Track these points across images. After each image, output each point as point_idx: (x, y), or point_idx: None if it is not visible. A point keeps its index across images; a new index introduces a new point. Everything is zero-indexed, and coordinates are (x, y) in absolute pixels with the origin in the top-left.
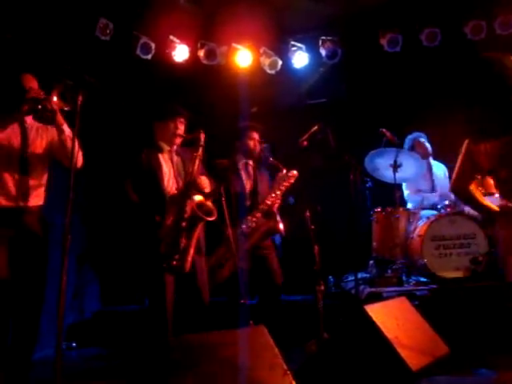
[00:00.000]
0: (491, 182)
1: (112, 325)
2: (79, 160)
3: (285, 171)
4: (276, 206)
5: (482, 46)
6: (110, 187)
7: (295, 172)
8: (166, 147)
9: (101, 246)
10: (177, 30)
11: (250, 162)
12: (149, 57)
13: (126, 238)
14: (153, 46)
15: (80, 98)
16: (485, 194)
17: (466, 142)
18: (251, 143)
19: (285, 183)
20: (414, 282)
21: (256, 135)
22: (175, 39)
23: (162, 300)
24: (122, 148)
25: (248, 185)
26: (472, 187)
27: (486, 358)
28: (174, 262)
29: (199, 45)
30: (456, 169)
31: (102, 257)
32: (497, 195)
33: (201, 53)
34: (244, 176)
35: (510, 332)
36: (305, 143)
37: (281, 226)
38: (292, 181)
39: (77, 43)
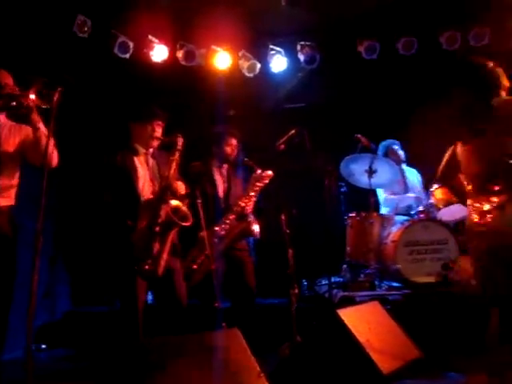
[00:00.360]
0: (463, 189)
1: (82, 326)
2: (54, 159)
3: (259, 171)
4: (250, 207)
5: (457, 56)
6: (84, 188)
7: (270, 172)
8: (142, 150)
9: (73, 246)
10: (156, 29)
11: (225, 166)
12: (127, 56)
13: (98, 240)
14: (131, 45)
15: (56, 96)
16: (458, 201)
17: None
18: (228, 149)
19: (259, 184)
20: (386, 286)
21: (234, 141)
22: (154, 39)
23: (134, 302)
24: (97, 149)
25: (222, 188)
26: (444, 192)
27: (455, 362)
28: (147, 267)
29: (178, 46)
30: (443, 163)
31: (73, 257)
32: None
33: (179, 54)
34: (218, 179)
35: (478, 336)
36: (282, 147)
37: (255, 227)
38: (266, 181)
39: (54, 39)
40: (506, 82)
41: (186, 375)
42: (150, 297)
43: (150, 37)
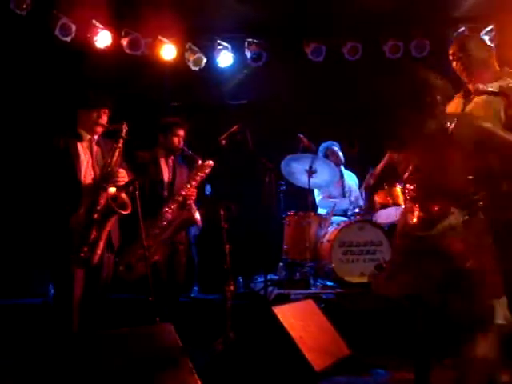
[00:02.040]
0: (398, 193)
1: (9, 319)
2: None
3: (200, 162)
4: (192, 196)
5: (400, 64)
6: (22, 173)
7: (211, 162)
8: (87, 136)
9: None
10: (100, 14)
11: (171, 156)
12: (68, 39)
13: (32, 227)
14: (73, 27)
15: None
16: (393, 204)
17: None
18: (176, 140)
19: (200, 173)
20: (321, 285)
21: (182, 132)
22: (98, 24)
23: (69, 294)
24: (38, 133)
25: (166, 177)
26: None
27: (383, 360)
28: (82, 254)
29: (123, 33)
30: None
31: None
32: (403, 206)
33: (124, 41)
34: (164, 169)
35: (404, 335)
36: (223, 142)
37: (197, 215)
38: (207, 171)
39: None
40: (449, 93)
41: (116, 371)
42: None
43: (94, 21)
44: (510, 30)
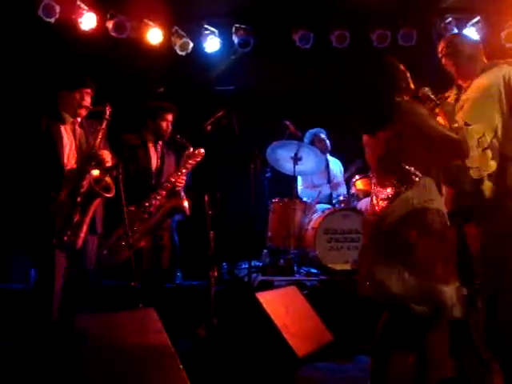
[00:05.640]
0: None
1: None
2: None
3: (191, 149)
4: (181, 184)
5: (386, 53)
6: (3, 155)
7: (202, 150)
8: (70, 118)
9: None
10: None
11: (160, 142)
12: (52, 20)
13: (13, 211)
14: (57, 8)
15: None
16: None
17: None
18: (164, 124)
19: (191, 161)
20: (304, 272)
21: (170, 117)
22: (83, 5)
23: (51, 278)
24: (20, 115)
25: (155, 163)
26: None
27: (365, 346)
28: (66, 238)
29: (108, 16)
30: None
31: None
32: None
33: (109, 24)
34: (152, 154)
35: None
36: (209, 128)
37: (185, 203)
38: (199, 159)
39: None
40: (411, 87)
41: (99, 356)
42: None
43: (78, 3)
44: (497, 21)
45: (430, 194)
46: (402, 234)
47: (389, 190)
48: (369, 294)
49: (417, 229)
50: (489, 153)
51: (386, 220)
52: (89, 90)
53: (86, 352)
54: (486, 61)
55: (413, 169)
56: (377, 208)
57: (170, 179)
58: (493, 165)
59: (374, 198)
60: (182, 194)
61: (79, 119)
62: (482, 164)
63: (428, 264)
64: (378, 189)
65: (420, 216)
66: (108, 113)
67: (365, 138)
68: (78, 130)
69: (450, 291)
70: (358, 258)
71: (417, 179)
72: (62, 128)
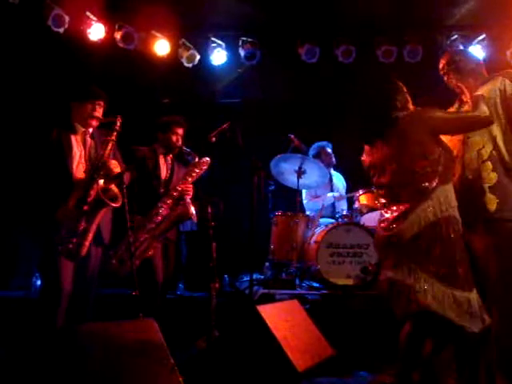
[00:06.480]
0: None
1: None
2: None
3: (197, 159)
4: (190, 192)
5: (392, 69)
6: (14, 164)
7: (207, 159)
8: (81, 128)
9: None
10: (94, 7)
11: (170, 155)
12: (61, 30)
13: (22, 218)
14: (67, 19)
15: None
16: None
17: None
18: (174, 138)
19: (196, 170)
20: (306, 286)
21: (180, 131)
22: (92, 16)
23: (56, 286)
24: (31, 125)
25: (164, 174)
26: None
27: (365, 361)
28: (70, 245)
29: (117, 26)
30: None
31: None
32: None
33: (117, 35)
34: (162, 165)
35: (388, 339)
36: (213, 139)
37: (192, 210)
38: (205, 167)
39: None
40: (408, 106)
41: (99, 366)
42: None
43: (87, 13)
44: (502, 38)
45: (446, 202)
46: (423, 246)
47: (402, 205)
48: (410, 312)
49: (440, 241)
50: (489, 165)
51: (404, 235)
52: (101, 102)
53: (86, 361)
54: (486, 75)
55: (427, 183)
56: (392, 224)
57: (176, 188)
58: (493, 177)
59: (388, 212)
60: (189, 200)
61: (90, 130)
62: (483, 176)
63: (454, 273)
64: (391, 203)
65: (439, 227)
66: (119, 124)
67: (366, 148)
68: (89, 140)
69: (475, 297)
70: (379, 278)
71: (429, 188)
72: (73, 138)
